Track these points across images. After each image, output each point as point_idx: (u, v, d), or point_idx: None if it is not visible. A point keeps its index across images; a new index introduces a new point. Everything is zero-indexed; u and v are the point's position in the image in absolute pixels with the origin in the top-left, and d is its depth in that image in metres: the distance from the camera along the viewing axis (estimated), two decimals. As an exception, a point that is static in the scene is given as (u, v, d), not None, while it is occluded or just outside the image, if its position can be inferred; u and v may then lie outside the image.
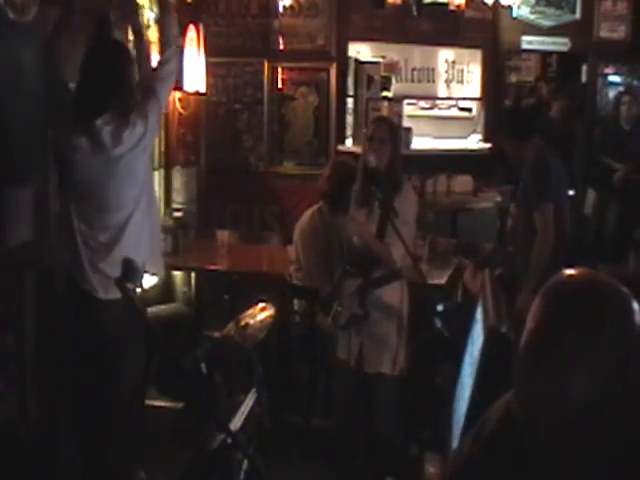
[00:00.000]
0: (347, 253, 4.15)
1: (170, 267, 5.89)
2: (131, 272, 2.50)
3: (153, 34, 5.87)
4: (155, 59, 5.15)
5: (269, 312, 3.54)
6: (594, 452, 1.31)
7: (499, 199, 7.15)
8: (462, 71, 8.09)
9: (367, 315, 3.98)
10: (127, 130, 3.54)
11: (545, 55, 8.97)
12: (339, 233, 4.51)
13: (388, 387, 4.07)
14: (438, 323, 4.78)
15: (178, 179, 6.46)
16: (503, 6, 7.85)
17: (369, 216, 4.02)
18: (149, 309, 5.15)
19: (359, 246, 4.03)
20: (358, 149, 6.45)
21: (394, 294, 4.06)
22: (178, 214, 6.07)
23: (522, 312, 4.68)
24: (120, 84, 3.59)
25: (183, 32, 6.09)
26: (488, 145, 7.94)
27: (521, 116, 5.19)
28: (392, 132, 4.13)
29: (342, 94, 6.96)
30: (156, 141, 6.14)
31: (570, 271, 1.39)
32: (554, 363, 1.28)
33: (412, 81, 7.79)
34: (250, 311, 3.49)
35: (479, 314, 2.43)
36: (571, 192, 5.79)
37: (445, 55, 7.97)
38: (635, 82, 8.63)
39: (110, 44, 3.95)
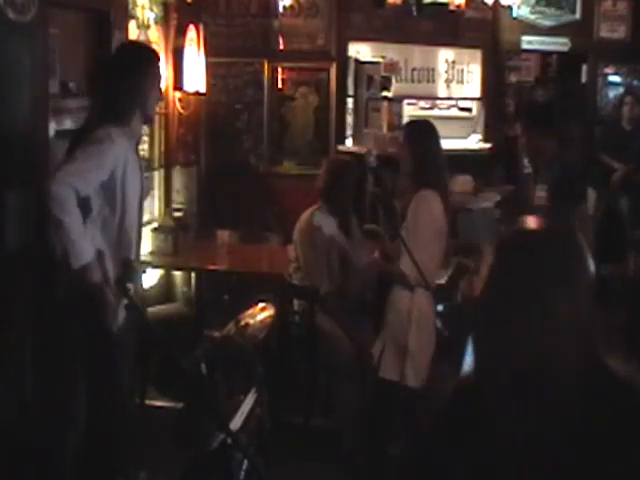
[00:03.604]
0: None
1: (170, 267, 5.90)
2: (130, 272, 2.50)
3: (153, 34, 5.88)
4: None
5: (269, 312, 3.54)
6: (546, 402, 1.32)
7: (499, 199, 7.15)
8: (462, 71, 8.09)
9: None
10: None
11: (545, 55, 8.95)
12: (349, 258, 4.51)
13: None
14: (438, 323, 4.78)
15: (178, 179, 6.46)
16: (503, 6, 7.84)
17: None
18: (149, 309, 5.16)
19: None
20: (358, 149, 6.47)
21: (401, 301, 4.01)
22: (178, 214, 6.07)
23: None
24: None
25: (183, 32, 6.10)
26: (488, 145, 7.94)
27: (553, 112, 5.10)
28: (406, 136, 4.08)
29: (342, 94, 6.96)
30: (156, 141, 6.16)
31: (523, 222, 1.44)
32: (509, 302, 1.32)
33: (412, 81, 7.78)
34: (250, 311, 3.50)
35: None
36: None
37: (445, 55, 7.97)
38: (635, 82, 8.62)
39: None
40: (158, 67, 3.64)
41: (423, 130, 4.08)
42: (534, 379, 1.30)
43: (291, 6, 6.80)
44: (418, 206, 3.86)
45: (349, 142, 7.00)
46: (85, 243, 3.25)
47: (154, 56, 3.67)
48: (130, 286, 2.52)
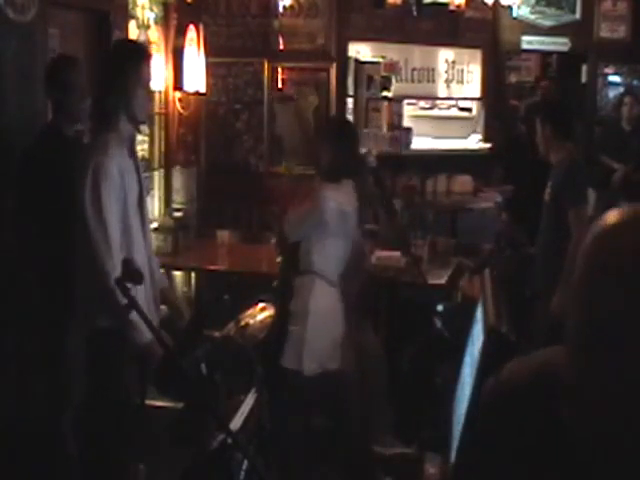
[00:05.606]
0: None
1: (170, 267, 5.90)
2: (131, 272, 2.50)
3: (153, 34, 5.88)
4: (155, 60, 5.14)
5: (269, 312, 3.54)
6: None
7: (499, 199, 7.15)
8: (462, 71, 8.09)
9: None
10: None
11: (545, 55, 8.97)
12: None
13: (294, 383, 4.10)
14: (438, 323, 4.78)
15: (178, 179, 6.46)
16: (503, 6, 7.85)
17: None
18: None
19: None
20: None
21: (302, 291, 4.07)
22: (178, 214, 6.07)
23: (559, 309, 4.75)
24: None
25: (183, 32, 6.10)
26: (488, 145, 7.94)
27: (568, 114, 5.11)
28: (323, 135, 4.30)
29: (342, 94, 6.96)
30: (156, 141, 6.16)
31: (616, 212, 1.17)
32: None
33: (412, 81, 7.78)
34: (250, 311, 3.50)
35: (479, 314, 2.43)
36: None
37: (445, 55, 7.97)
38: (635, 82, 8.63)
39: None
40: (144, 65, 3.40)
41: (340, 128, 4.36)
42: None
43: (291, 6, 6.79)
44: None
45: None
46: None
47: (141, 53, 3.46)
48: (132, 286, 2.52)
